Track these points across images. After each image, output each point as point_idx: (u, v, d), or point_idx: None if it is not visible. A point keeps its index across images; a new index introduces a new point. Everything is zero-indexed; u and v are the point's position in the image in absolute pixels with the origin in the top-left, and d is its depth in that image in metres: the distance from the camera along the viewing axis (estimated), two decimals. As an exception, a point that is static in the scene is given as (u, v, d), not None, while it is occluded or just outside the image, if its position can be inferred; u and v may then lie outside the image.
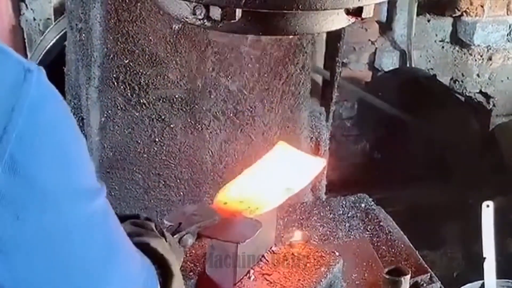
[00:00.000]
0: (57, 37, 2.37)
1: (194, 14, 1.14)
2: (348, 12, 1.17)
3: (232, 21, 1.11)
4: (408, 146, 3.25)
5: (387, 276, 1.49)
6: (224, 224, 1.34)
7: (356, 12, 1.16)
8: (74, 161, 0.74)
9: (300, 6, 1.07)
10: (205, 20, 1.14)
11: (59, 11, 2.95)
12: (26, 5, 3.10)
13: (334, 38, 2.04)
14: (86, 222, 0.76)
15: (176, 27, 1.64)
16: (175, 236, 1.23)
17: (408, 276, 1.49)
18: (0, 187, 0.64)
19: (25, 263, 0.70)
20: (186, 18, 1.17)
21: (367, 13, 1.16)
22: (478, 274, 2.36)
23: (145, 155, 1.75)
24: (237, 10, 1.10)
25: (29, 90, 0.67)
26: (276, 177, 1.49)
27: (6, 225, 0.66)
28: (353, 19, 1.19)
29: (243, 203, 1.40)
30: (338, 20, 1.18)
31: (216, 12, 1.11)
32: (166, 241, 1.16)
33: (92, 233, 0.77)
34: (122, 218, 1.13)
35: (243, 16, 1.12)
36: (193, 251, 1.54)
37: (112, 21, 1.60)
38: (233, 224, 1.36)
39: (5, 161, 0.64)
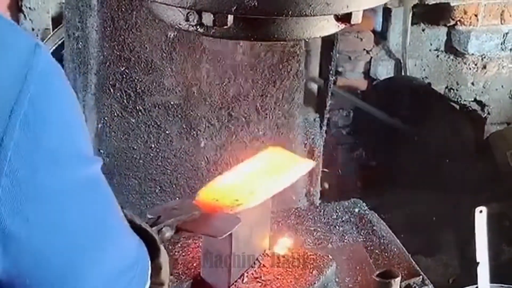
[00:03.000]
0: (55, 46, 2.39)
1: (187, 20, 1.17)
2: (338, 18, 1.20)
3: (224, 27, 1.14)
4: (403, 154, 3.26)
5: (377, 279, 1.51)
6: (204, 219, 1.35)
7: (345, 18, 1.20)
8: (76, 128, 0.82)
9: (290, 12, 1.10)
10: (198, 26, 1.17)
11: (57, 21, 2.98)
12: (25, 15, 3.12)
13: (328, 46, 2.06)
14: (86, 184, 0.82)
15: (171, 34, 1.66)
16: (153, 228, 1.24)
17: (399, 279, 1.51)
18: (18, 140, 0.73)
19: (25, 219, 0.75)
20: (180, 24, 1.20)
21: (355, 19, 1.20)
22: (473, 280, 2.37)
23: (141, 161, 1.77)
24: (229, 16, 1.13)
25: (39, 61, 0.76)
26: (261, 175, 1.50)
27: (18, 176, 0.73)
28: (342, 25, 1.22)
29: (226, 198, 1.41)
30: (327, 26, 1.21)
31: (208, 19, 1.14)
32: None
33: (91, 194, 0.84)
34: None
35: (235, 22, 1.15)
36: (187, 254, 1.56)
37: (108, 29, 1.63)
38: (212, 219, 1.37)
39: (20, 119, 0.73)
